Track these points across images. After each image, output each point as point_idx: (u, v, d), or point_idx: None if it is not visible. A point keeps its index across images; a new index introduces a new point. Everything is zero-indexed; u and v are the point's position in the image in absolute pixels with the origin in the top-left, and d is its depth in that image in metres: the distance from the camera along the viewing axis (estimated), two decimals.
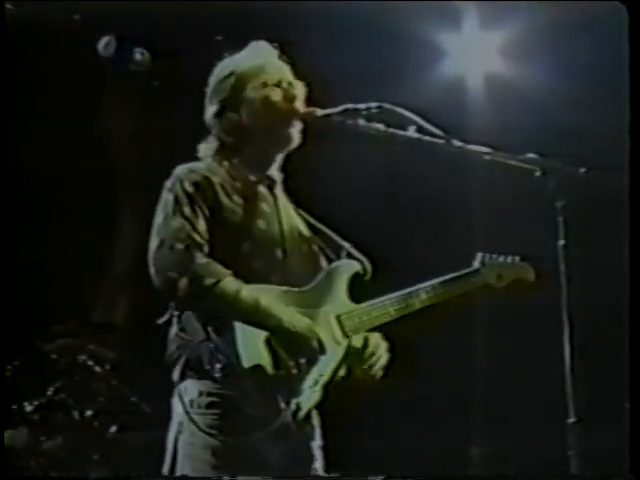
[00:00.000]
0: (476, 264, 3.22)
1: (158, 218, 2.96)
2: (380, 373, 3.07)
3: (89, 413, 5.37)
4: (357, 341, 3.02)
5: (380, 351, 3.07)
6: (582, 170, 2.77)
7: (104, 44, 5.30)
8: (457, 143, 2.91)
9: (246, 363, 2.82)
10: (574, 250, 2.68)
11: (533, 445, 5.15)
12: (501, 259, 3.24)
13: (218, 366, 2.83)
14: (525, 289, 3.24)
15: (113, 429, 5.37)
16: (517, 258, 3.26)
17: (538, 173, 2.78)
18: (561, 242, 2.70)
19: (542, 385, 4.25)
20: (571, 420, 2.64)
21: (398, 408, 5.49)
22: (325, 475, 3.03)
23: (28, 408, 5.26)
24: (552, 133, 5.05)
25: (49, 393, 5.34)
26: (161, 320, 2.98)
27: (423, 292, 3.09)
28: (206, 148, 3.13)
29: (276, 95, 3.07)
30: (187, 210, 2.92)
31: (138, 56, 5.31)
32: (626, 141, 3.10)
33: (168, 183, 3.00)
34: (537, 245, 3.08)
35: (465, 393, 5.84)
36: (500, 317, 5.22)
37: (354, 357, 3.01)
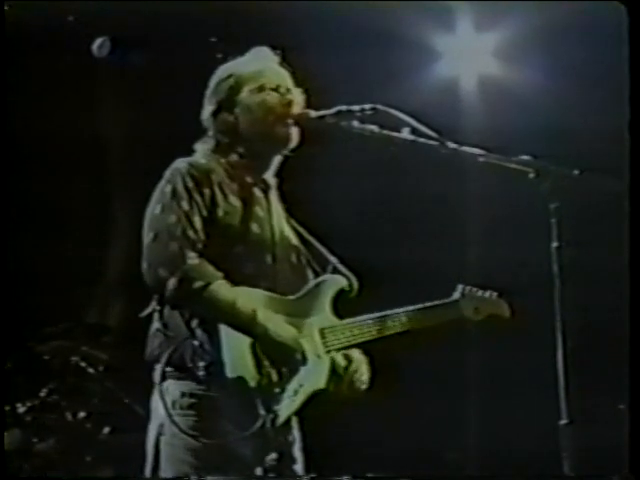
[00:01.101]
0: (456, 295, 3.25)
1: (155, 209, 2.95)
2: (364, 387, 3.09)
3: (82, 415, 5.36)
4: (340, 359, 3.03)
5: (362, 367, 3.08)
6: (576, 172, 2.77)
7: (98, 45, 5.32)
8: (451, 145, 2.91)
9: (230, 373, 2.82)
10: (567, 252, 2.68)
11: (526, 447, 5.16)
12: (479, 293, 3.29)
13: (202, 364, 2.83)
14: (499, 325, 3.28)
15: (106, 431, 5.37)
16: (495, 294, 3.32)
17: (532, 175, 2.79)
18: (554, 244, 2.70)
19: (534, 387, 4.26)
20: (563, 422, 2.64)
21: (392, 409, 5.49)
22: (299, 475, 3.03)
23: (21, 409, 5.24)
24: (546, 135, 5.06)
25: (42, 394, 5.33)
26: (144, 313, 2.97)
27: (404, 316, 3.12)
28: (202, 147, 3.13)
29: (272, 99, 3.08)
30: (185, 205, 2.92)
31: (132, 57, 5.34)
32: (621, 142, 3.10)
33: (167, 174, 2.99)
34: (530, 247, 3.09)
35: (457, 395, 5.84)
36: (493, 320, 5.22)
37: (337, 375, 3.02)
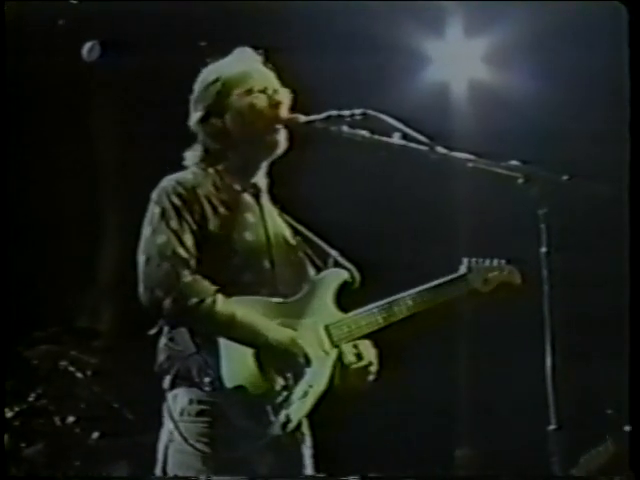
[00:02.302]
0: (463, 269, 3.20)
1: (145, 232, 2.96)
2: (372, 377, 3.07)
3: (70, 419, 5.33)
4: (349, 350, 3.02)
5: (371, 358, 3.06)
6: (565, 177, 2.77)
7: (88, 49, 5.31)
8: (441, 150, 2.91)
9: (229, 383, 2.82)
10: (556, 257, 2.68)
11: (516, 452, 5.17)
12: (487, 263, 3.22)
13: (207, 380, 2.83)
14: (510, 293, 3.23)
15: (95, 435, 5.35)
16: (503, 261, 3.24)
17: (521, 180, 2.78)
18: (543, 249, 2.70)
19: (525, 392, 4.27)
20: (552, 427, 2.64)
21: (385, 414, 5.50)
22: (308, 475, 3.02)
23: (9, 414, 5.22)
24: (535, 140, 5.07)
25: (30, 399, 5.31)
26: (152, 331, 2.97)
27: (410, 299, 3.08)
28: (192, 156, 3.12)
29: (261, 102, 3.07)
30: (174, 224, 2.92)
31: (122, 61, 5.32)
32: (611, 147, 3.11)
33: (154, 195, 2.99)
34: (520, 252, 3.09)
35: (449, 402, 5.85)
36: (484, 324, 5.24)
37: (346, 366, 3.01)
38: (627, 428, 3.97)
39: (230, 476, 2.85)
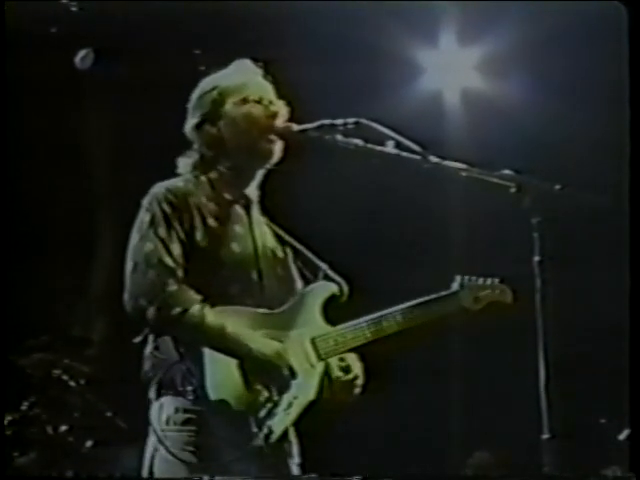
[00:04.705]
0: (455, 286, 3.16)
1: (134, 238, 2.96)
2: (358, 391, 3.07)
3: (63, 428, 5.32)
4: (336, 363, 3.02)
5: (358, 372, 3.06)
6: (557, 187, 2.78)
7: (81, 57, 5.31)
8: (434, 159, 2.91)
9: (213, 396, 2.82)
10: (549, 266, 2.69)
11: (509, 461, 5.17)
12: (480, 281, 3.17)
13: (189, 388, 2.83)
14: (500, 312, 3.21)
15: (88, 444, 5.34)
16: (496, 280, 3.20)
17: (513, 189, 2.79)
18: (536, 258, 2.71)
19: (517, 402, 4.27)
20: (545, 436, 2.64)
21: (376, 424, 5.50)
22: (303, 475, 3.02)
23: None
24: (528, 149, 5.09)
25: (23, 408, 5.30)
26: (137, 339, 2.96)
27: (399, 314, 3.06)
28: (185, 163, 3.12)
29: (256, 111, 3.07)
30: (162, 232, 2.92)
31: (115, 68, 5.33)
32: (604, 157, 3.12)
33: (145, 202, 2.98)
34: (513, 261, 3.09)
35: (441, 411, 5.85)
36: (478, 333, 5.24)
37: (332, 379, 3.00)
38: (625, 433, 3.99)
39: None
